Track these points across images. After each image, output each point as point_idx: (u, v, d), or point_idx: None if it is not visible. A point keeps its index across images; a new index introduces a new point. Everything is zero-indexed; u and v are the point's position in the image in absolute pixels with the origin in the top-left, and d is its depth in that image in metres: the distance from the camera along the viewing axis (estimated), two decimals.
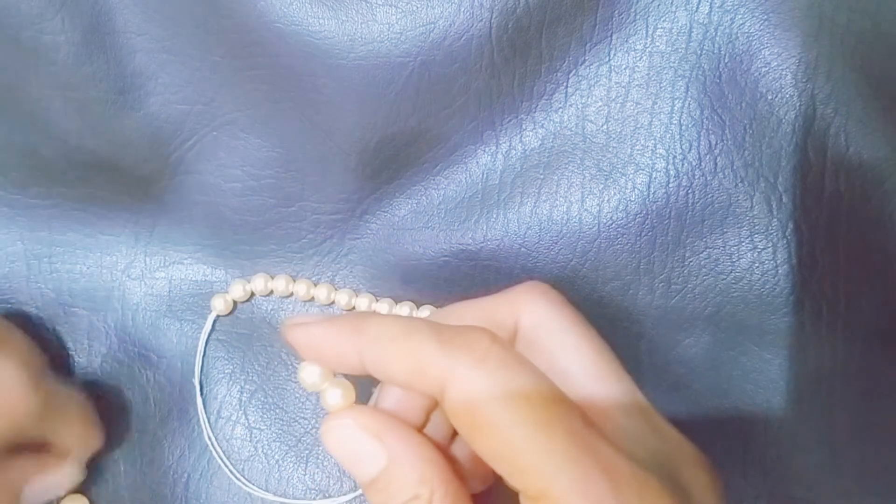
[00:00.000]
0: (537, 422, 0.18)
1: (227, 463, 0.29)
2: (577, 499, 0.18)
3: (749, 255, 0.27)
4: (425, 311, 0.29)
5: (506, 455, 0.19)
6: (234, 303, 0.30)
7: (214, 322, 0.30)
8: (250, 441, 0.29)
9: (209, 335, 0.30)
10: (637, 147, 0.27)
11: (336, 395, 0.22)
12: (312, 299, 0.30)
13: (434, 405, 0.23)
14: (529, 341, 0.22)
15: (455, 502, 0.20)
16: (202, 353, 0.30)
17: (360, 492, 0.28)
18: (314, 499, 0.29)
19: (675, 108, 0.27)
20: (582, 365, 0.21)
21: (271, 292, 0.30)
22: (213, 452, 0.29)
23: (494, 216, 0.28)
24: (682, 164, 0.27)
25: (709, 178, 0.27)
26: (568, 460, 0.18)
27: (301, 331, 0.22)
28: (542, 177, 0.28)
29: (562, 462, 0.18)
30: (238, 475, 0.29)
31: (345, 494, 0.29)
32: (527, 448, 0.18)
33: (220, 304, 0.30)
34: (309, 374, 0.22)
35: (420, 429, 0.22)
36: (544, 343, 0.22)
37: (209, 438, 0.29)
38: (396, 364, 0.20)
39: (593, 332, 0.22)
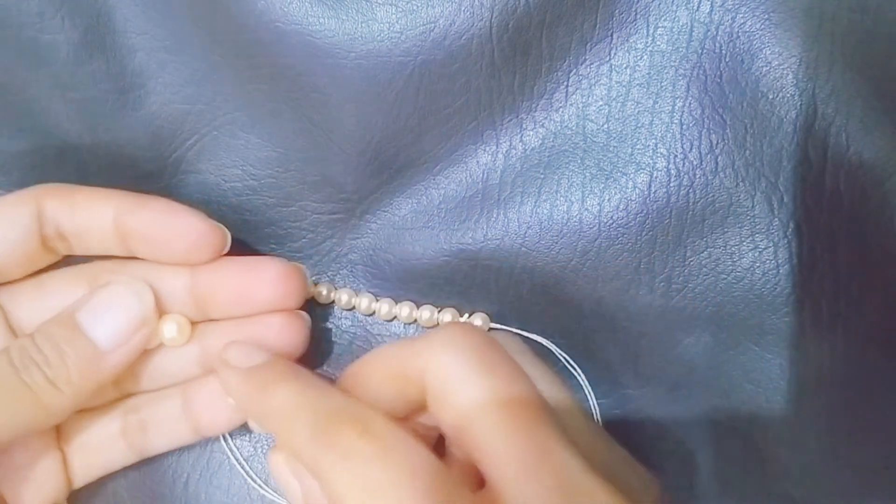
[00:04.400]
0: (519, 447, 0.19)
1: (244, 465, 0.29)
2: None
3: (750, 254, 0.27)
4: (426, 312, 0.29)
5: (486, 471, 0.19)
6: None
7: None
8: (249, 441, 0.29)
9: None
10: (638, 146, 0.27)
11: (172, 329, 0.26)
12: (312, 298, 0.30)
13: (410, 411, 0.23)
14: (437, 400, 0.21)
15: None
16: None
17: None
18: None
19: (676, 107, 0.27)
20: (492, 429, 0.20)
21: None
22: (227, 451, 0.29)
23: (495, 216, 0.28)
24: (683, 164, 0.27)
25: (710, 178, 0.27)
26: None
27: (224, 377, 0.24)
28: (542, 176, 0.28)
29: None
30: (253, 476, 0.29)
31: None
32: (507, 475, 0.19)
33: None
34: (168, 330, 0.26)
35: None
36: (452, 406, 0.21)
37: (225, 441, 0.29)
38: (281, 444, 0.22)
39: (513, 383, 0.20)
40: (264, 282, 0.26)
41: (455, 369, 0.21)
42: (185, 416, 0.27)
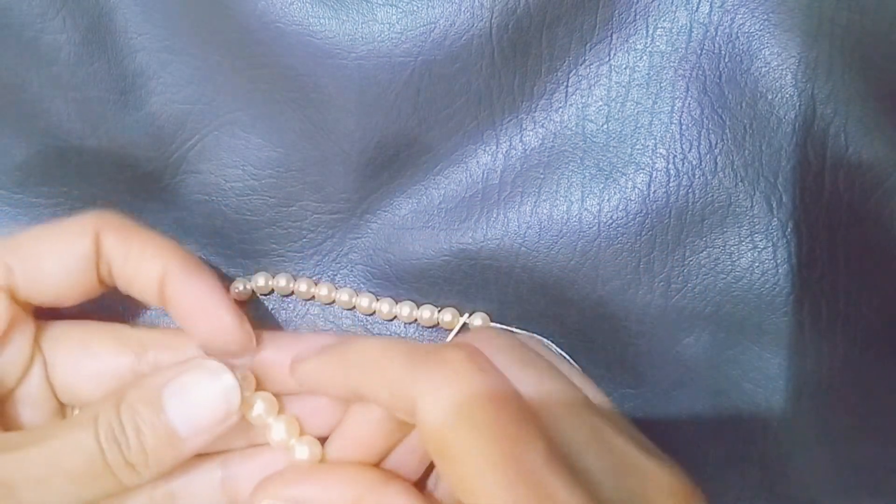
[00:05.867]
0: (494, 455, 0.19)
1: None
2: None
3: (749, 254, 0.27)
4: (426, 311, 0.29)
5: (461, 485, 0.19)
6: (235, 302, 0.30)
7: None
8: None
9: None
10: (637, 146, 0.27)
11: (259, 407, 0.25)
12: (313, 298, 0.30)
13: (395, 441, 0.24)
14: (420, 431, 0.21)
15: None
16: None
17: None
18: None
19: (676, 107, 0.27)
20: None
21: (272, 291, 0.30)
22: None
23: (494, 215, 0.28)
24: (683, 164, 0.27)
25: (709, 178, 0.27)
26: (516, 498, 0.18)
27: (303, 369, 0.24)
28: (542, 176, 0.28)
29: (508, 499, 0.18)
30: None
31: None
32: (480, 481, 0.19)
33: None
34: (255, 409, 0.25)
35: (379, 461, 0.24)
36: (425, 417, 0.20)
37: None
38: (375, 384, 0.22)
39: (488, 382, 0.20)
40: None
41: (455, 445, 0.20)
42: (222, 490, 0.26)
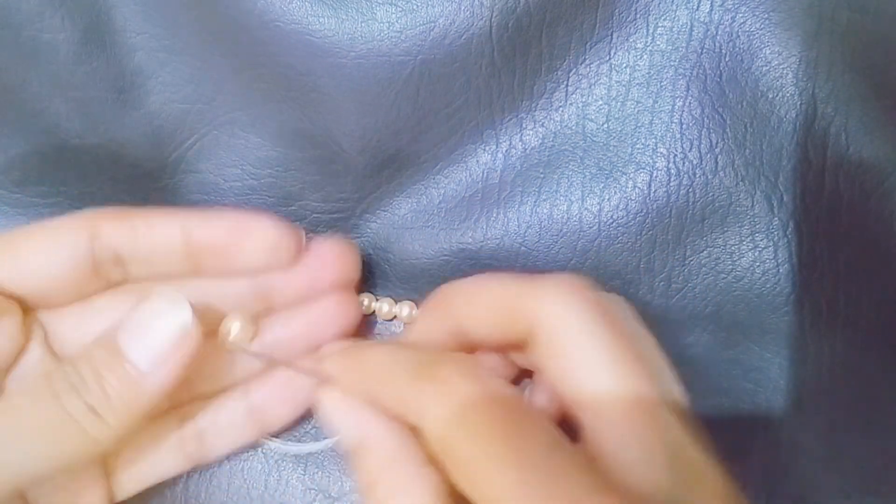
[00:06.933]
0: (495, 454, 0.19)
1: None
2: None
3: (750, 253, 0.27)
4: None
5: (471, 488, 0.19)
6: None
7: None
8: None
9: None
10: (638, 146, 0.27)
11: (236, 327, 0.25)
12: None
13: (501, 345, 0.24)
14: (547, 349, 0.21)
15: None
16: None
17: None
18: (314, 499, 0.29)
19: (676, 106, 0.27)
20: (597, 393, 0.20)
21: None
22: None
23: (494, 215, 0.28)
24: (683, 163, 0.27)
25: (709, 177, 0.27)
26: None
27: (328, 370, 0.24)
28: (542, 176, 0.28)
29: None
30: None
31: (345, 494, 0.29)
32: (488, 482, 0.19)
33: None
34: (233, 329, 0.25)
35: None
36: (560, 358, 0.21)
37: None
38: (387, 395, 0.22)
39: (623, 349, 0.21)
40: (327, 264, 0.26)
41: (578, 336, 0.20)
42: (249, 420, 0.26)
